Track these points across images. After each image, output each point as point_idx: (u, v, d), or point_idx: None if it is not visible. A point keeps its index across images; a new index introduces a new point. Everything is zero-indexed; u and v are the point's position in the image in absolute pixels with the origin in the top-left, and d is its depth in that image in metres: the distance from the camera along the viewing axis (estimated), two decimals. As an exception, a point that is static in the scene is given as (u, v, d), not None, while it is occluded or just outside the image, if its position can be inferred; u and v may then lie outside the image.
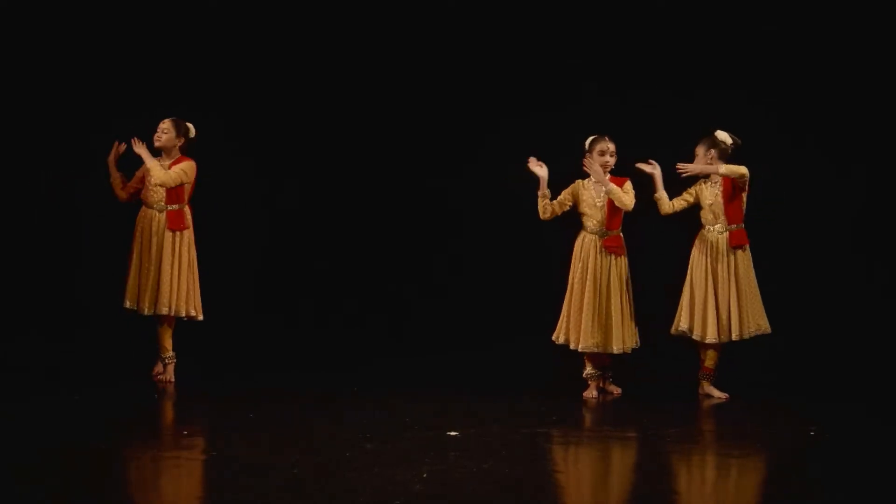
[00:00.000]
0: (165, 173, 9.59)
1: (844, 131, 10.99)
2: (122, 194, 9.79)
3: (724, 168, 9.22)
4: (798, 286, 10.80)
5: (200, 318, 9.78)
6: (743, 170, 9.23)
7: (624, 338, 9.28)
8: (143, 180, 9.74)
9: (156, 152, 9.69)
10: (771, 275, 9.72)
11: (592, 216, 9.32)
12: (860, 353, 10.51)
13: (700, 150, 9.33)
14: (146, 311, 9.63)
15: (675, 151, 9.43)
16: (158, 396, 9.36)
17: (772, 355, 10.11)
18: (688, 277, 9.41)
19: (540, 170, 9.32)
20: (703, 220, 9.42)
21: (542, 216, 9.40)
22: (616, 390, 9.49)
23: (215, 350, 10.52)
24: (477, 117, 11.36)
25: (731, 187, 9.31)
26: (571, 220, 9.43)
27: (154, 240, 9.65)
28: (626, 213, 9.29)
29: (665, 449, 8.00)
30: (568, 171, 9.39)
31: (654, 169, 9.35)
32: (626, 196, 9.23)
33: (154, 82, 11.04)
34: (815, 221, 10.97)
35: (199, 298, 9.76)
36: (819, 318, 10.76)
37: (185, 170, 9.64)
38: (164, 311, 9.63)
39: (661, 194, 9.38)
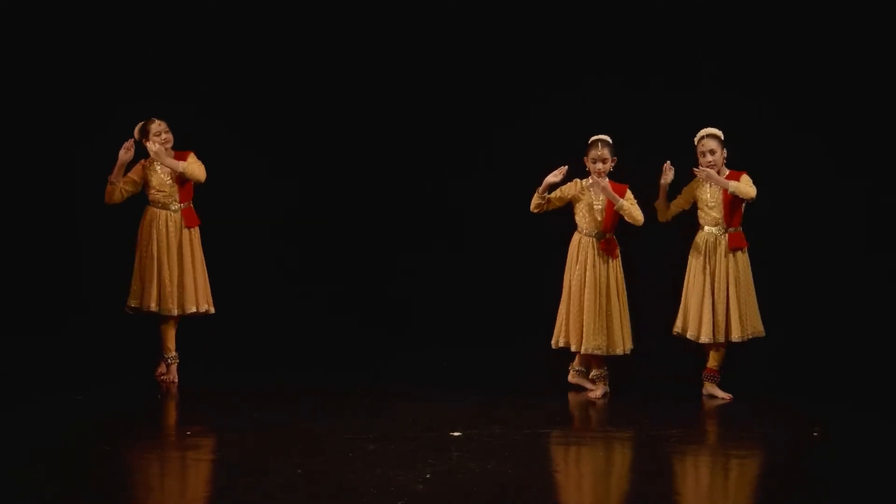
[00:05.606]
0: (200, 169, 9.56)
1: (845, 131, 11.00)
2: (119, 199, 9.59)
3: (733, 187, 9.19)
4: (799, 286, 10.80)
5: (212, 311, 9.78)
6: (753, 193, 9.19)
7: (624, 339, 9.31)
8: (139, 183, 9.65)
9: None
10: (771, 274, 9.73)
11: (590, 219, 9.31)
12: (862, 353, 10.50)
13: (718, 149, 9.22)
14: (174, 312, 9.60)
15: (675, 151, 9.45)
16: (162, 397, 9.38)
17: (773, 355, 10.11)
18: (686, 279, 9.42)
19: (554, 177, 9.23)
20: (701, 221, 9.39)
21: (532, 209, 9.37)
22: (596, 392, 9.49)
23: (217, 349, 10.53)
24: (476, 117, 11.37)
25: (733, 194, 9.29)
26: (572, 222, 9.44)
27: (173, 240, 9.62)
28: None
29: (665, 449, 8.01)
30: (568, 171, 9.40)
31: (667, 178, 9.32)
32: (636, 209, 9.20)
33: (154, 82, 11.05)
34: (816, 221, 10.97)
35: (210, 292, 9.81)
36: (820, 318, 10.76)
37: (199, 160, 9.61)
38: (192, 309, 9.63)
39: (663, 203, 9.40)
